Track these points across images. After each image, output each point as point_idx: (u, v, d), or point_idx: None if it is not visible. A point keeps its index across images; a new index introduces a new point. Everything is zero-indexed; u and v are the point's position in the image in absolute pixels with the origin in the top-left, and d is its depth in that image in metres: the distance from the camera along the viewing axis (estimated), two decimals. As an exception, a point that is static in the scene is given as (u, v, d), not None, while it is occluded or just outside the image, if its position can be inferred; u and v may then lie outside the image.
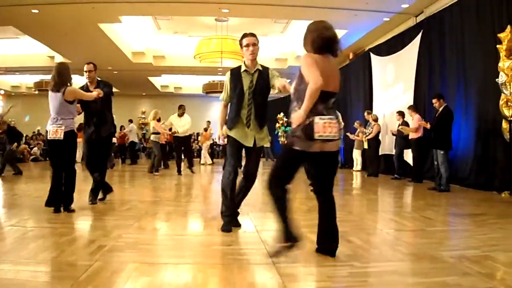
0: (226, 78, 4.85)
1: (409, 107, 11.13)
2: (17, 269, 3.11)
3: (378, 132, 12.96)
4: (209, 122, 20.33)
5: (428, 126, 9.10)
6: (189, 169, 13.19)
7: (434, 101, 8.94)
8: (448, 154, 8.68)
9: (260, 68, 4.72)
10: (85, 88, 6.33)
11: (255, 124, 4.68)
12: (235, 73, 4.76)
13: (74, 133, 5.78)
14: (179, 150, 13.41)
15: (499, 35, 7.87)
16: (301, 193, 7.91)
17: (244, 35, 4.71)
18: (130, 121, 19.77)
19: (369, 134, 13.08)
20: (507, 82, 7.74)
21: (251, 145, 4.70)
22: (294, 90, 3.58)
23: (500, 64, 7.82)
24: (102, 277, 2.96)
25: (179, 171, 12.76)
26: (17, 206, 6.28)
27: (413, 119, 10.81)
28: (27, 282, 2.86)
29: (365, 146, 13.59)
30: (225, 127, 4.88)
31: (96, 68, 6.52)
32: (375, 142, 12.97)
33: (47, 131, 5.64)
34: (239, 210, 4.99)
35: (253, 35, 4.68)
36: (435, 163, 8.84)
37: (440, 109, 8.80)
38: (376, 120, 13.07)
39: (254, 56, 4.66)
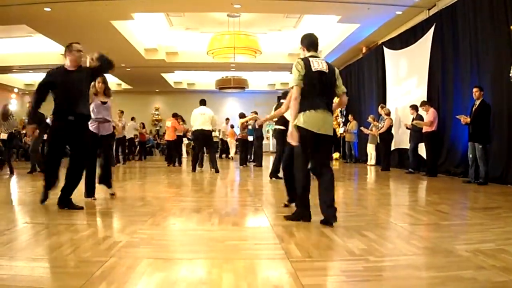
0: None
1: (422, 104, 11.03)
2: (32, 266, 3.13)
3: (390, 126, 12.89)
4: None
5: (468, 120, 8.80)
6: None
7: (475, 90, 8.76)
8: (486, 148, 8.60)
9: None
10: None
11: None
12: None
13: None
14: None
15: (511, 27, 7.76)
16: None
17: None
18: (132, 118, 19.28)
19: (381, 128, 13.03)
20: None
21: None
22: None
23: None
24: (116, 273, 2.97)
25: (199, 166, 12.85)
26: (32, 203, 6.30)
27: (428, 113, 10.71)
28: (42, 279, 2.88)
29: (378, 140, 13.54)
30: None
31: None
32: (387, 136, 12.90)
33: None
34: None
35: None
36: (470, 156, 8.78)
37: (477, 102, 8.70)
38: (388, 114, 13.00)
39: None
